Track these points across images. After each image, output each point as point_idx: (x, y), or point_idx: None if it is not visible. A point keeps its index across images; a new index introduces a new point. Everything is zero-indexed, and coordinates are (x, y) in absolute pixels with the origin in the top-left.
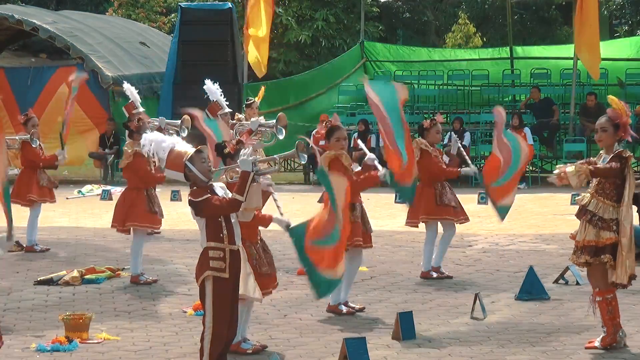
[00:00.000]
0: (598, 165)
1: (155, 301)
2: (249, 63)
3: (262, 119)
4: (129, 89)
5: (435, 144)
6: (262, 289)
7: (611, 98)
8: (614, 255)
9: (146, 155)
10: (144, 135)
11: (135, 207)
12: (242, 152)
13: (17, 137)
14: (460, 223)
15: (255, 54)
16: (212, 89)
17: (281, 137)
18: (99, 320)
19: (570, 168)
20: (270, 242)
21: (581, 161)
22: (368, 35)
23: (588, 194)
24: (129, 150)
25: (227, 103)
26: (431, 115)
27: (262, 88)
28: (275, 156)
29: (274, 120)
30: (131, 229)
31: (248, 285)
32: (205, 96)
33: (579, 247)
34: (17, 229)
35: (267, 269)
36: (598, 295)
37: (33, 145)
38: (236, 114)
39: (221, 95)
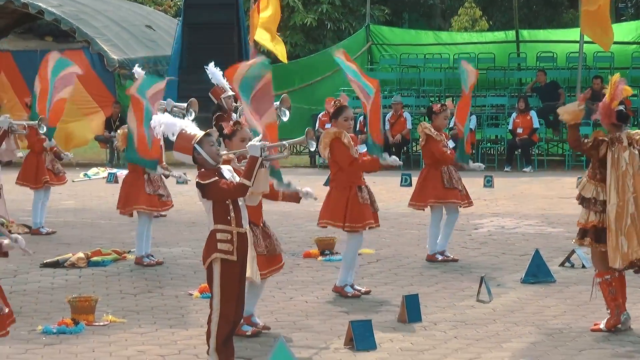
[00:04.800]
0: (578, 126)
1: (161, 284)
2: (254, 46)
3: None
4: (138, 72)
5: (441, 129)
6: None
7: (613, 79)
8: (597, 239)
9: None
10: (154, 117)
11: (135, 189)
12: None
13: (25, 123)
14: (464, 207)
15: (271, 43)
16: (215, 72)
17: (285, 118)
18: (105, 302)
19: (574, 104)
20: (276, 225)
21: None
22: (374, 18)
23: None
24: (122, 135)
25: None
26: (437, 98)
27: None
28: (284, 142)
29: (278, 102)
30: (134, 211)
31: (254, 268)
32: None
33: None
34: (23, 211)
35: (263, 250)
36: (597, 277)
37: (40, 132)
38: None
39: (224, 78)
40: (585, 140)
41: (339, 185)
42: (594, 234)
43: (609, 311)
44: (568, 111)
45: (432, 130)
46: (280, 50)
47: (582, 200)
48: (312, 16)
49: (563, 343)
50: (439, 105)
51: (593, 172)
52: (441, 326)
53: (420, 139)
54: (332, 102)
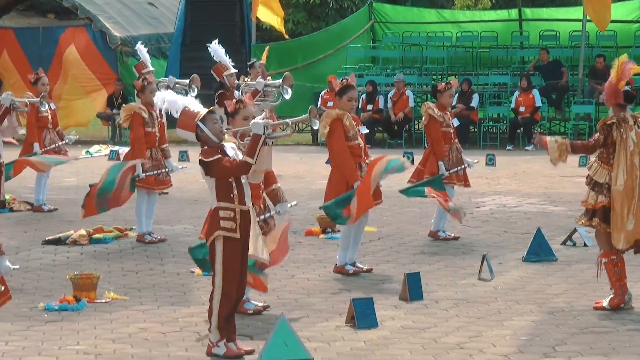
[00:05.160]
0: (575, 142)
1: (162, 261)
2: (256, 24)
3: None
4: (140, 49)
5: (446, 107)
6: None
7: (620, 59)
8: (605, 219)
9: (145, 116)
10: (157, 93)
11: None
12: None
13: (26, 100)
14: (459, 187)
15: (274, 17)
16: (217, 49)
17: (287, 96)
18: (107, 280)
19: (551, 139)
20: None
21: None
22: None
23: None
24: (125, 112)
25: (234, 64)
26: (440, 77)
27: (266, 48)
28: (287, 120)
29: (280, 80)
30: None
31: (257, 245)
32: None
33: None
34: (25, 188)
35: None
36: (603, 257)
37: (42, 109)
38: (242, 76)
39: (226, 55)
40: (595, 137)
41: None
42: (602, 215)
43: (612, 290)
44: (553, 152)
45: (435, 110)
46: (282, 27)
47: (594, 184)
48: None
49: (564, 321)
50: (443, 84)
51: (607, 157)
52: (443, 304)
53: (423, 119)
54: (340, 81)
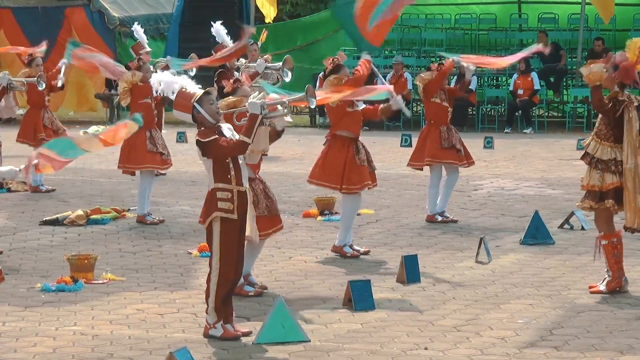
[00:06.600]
0: (601, 87)
1: (160, 242)
2: (255, 5)
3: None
4: (137, 30)
5: (442, 88)
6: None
7: (638, 41)
8: (617, 199)
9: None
10: (154, 75)
11: (136, 148)
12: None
13: (23, 79)
14: (464, 167)
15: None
16: (219, 30)
17: (287, 79)
18: (104, 260)
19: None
20: (276, 184)
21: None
22: None
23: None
24: (124, 83)
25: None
26: (438, 59)
27: (264, 32)
28: (284, 99)
29: (280, 63)
30: (137, 170)
31: (253, 227)
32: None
33: (585, 191)
34: None
35: (263, 211)
36: (603, 239)
37: (39, 88)
38: (240, 59)
39: (228, 36)
40: (602, 98)
41: (336, 144)
42: (614, 196)
43: (609, 273)
44: (592, 72)
45: (428, 74)
46: (267, 10)
47: (597, 162)
48: None
49: (561, 305)
50: (436, 65)
51: (607, 134)
52: (440, 287)
53: (420, 89)
54: (330, 60)
